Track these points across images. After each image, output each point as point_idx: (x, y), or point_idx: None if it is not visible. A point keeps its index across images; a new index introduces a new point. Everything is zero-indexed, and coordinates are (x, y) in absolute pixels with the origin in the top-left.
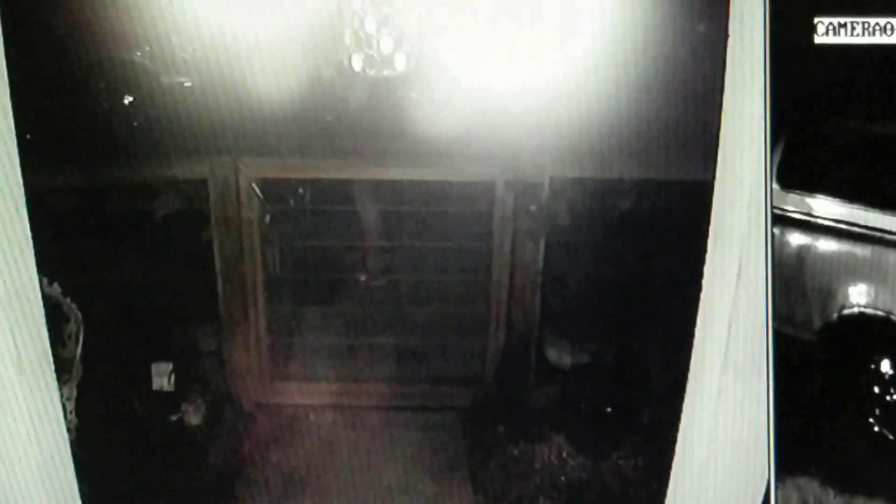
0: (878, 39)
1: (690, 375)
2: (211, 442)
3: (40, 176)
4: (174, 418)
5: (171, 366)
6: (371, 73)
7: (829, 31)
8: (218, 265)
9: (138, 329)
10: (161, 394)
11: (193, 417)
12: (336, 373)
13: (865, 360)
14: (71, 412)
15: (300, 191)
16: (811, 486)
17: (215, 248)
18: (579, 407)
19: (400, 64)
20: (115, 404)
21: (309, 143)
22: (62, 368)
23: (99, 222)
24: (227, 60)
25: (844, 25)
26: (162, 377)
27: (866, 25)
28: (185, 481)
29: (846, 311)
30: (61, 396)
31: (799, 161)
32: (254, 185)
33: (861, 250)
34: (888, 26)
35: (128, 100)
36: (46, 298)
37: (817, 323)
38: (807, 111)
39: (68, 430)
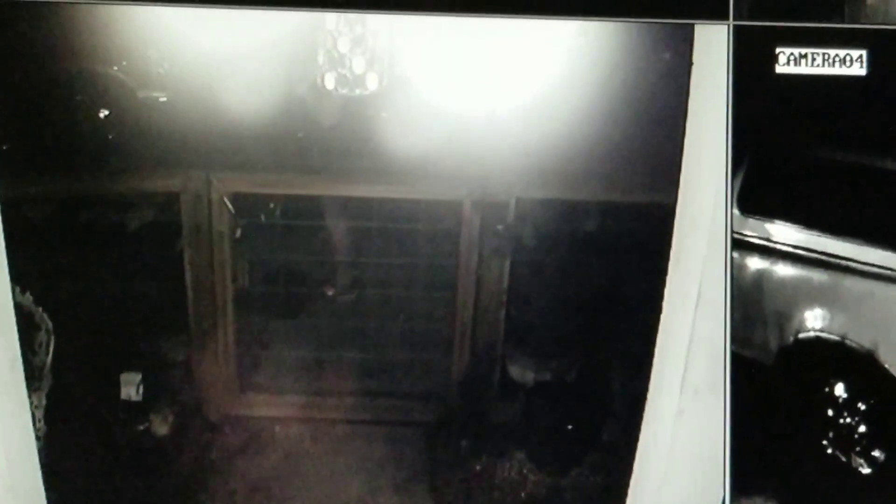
0: (838, 70)
1: (649, 395)
2: (178, 452)
3: (15, 186)
4: (142, 428)
5: (139, 376)
6: (343, 91)
7: (790, 62)
8: (188, 277)
9: (108, 339)
10: (129, 403)
11: (161, 427)
12: (302, 386)
13: (820, 383)
14: (40, 420)
15: (271, 206)
16: None
17: (186, 261)
18: (541, 424)
19: (372, 83)
20: (84, 413)
21: (281, 159)
22: (32, 376)
23: (72, 233)
24: (202, 76)
25: (805, 56)
26: (130, 387)
27: (826, 56)
28: (151, 490)
29: (802, 335)
30: (31, 404)
31: (759, 187)
32: (225, 200)
33: (818, 275)
34: (847, 58)
35: (104, 113)
36: (18, 307)
37: (774, 346)
38: (767, 139)
39: (37, 437)
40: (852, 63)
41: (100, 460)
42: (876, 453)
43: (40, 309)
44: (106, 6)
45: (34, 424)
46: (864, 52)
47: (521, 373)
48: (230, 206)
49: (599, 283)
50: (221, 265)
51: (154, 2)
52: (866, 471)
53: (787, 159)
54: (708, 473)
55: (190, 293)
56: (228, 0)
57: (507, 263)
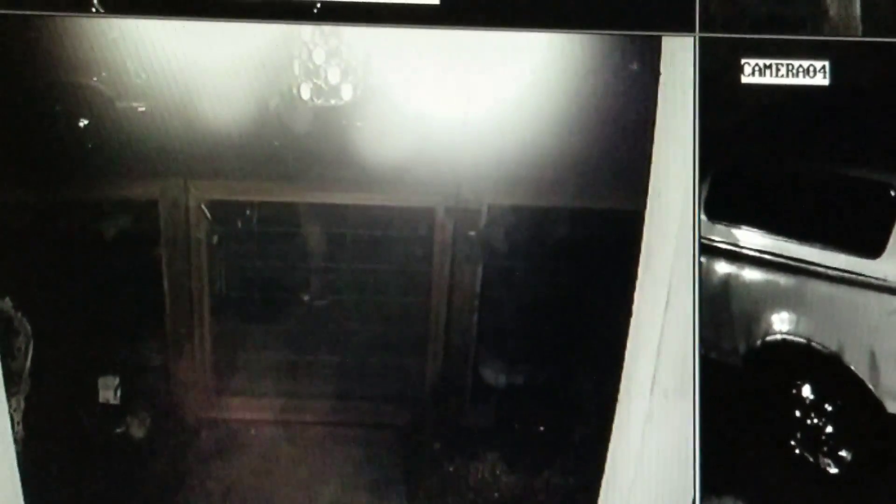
0: (802, 81)
1: (620, 397)
2: (154, 455)
3: None
4: (119, 431)
5: (117, 380)
6: (318, 102)
7: (755, 72)
8: (166, 283)
9: (87, 344)
10: (107, 407)
11: (138, 431)
12: (278, 389)
13: (788, 385)
14: (18, 424)
15: (248, 212)
16: None
17: (164, 267)
18: (513, 426)
19: (346, 94)
20: (63, 417)
21: (257, 167)
22: (11, 381)
23: (52, 240)
24: (179, 87)
25: (770, 67)
26: (108, 391)
27: (790, 67)
28: (128, 493)
29: (769, 338)
30: (9, 408)
31: (725, 194)
32: (203, 207)
33: (784, 279)
34: (811, 68)
35: (83, 123)
36: None
37: (742, 349)
38: (733, 147)
39: (15, 441)
40: (815, 73)
41: (77, 463)
42: (843, 453)
43: (20, 314)
44: (85, 18)
45: (13, 428)
46: (826, 63)
47: (494, 376)
48: (207, 213)
49: (570, 288)
50: (199, 271)
51: (132, 14)
52: (833, 471)
53: (753, 166)
54: (678, 475)
55: (167, 298)
56: (205, 12)
57: (480, 269)
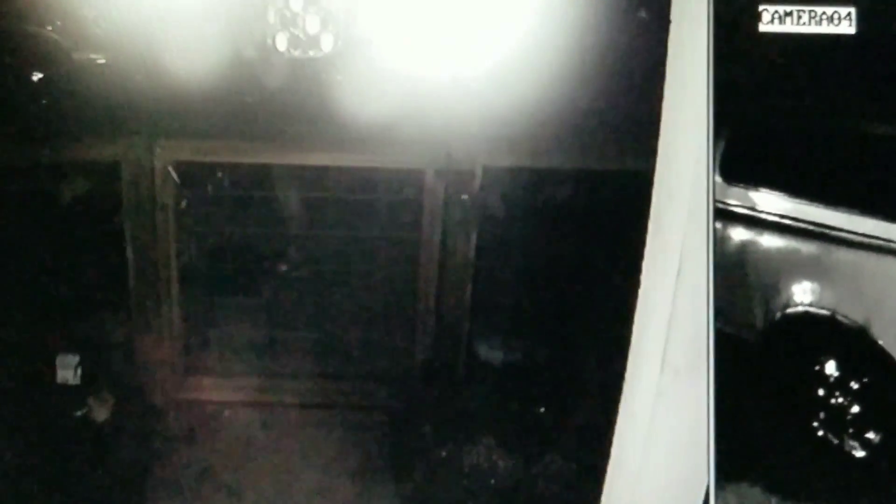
0: (825, 29)
1: (627, 375)
2: (119, 439)
3: None
4: (80, 413)
5: (77, 358)
6: (296, 53)
7: (774, 20)
8: (130, 252)
9: (43, 319)
10: (66, 388)
11: (101, 413)
12: (254, 368)
13: (810, 362)
14: None
15: (219, 175)
16: (752, 493)
17: (127, 235)
18: (511, 407)
19: (326, 45)
20: (17, 398)
21: (229, 125)
22: None
23: (2, 205)
24: (143, 37)
25: (790, 14)
26: (67, 370)
27: (812, 14)
28: (90, 480)
29: (790, 310)
30: None
31: (743, 153)
32: (170, 169)
33: (806, 247)
34: (835, 15)
35: (36, 76)
36: None
37: (760, 322)
38: (751, 102)
39: None
40: (840, 21)
41: (35, 449)
42: (870, 435)
43: None
44: None
45: None
46: (852, 10)
47: (489, 353)
48: (175, 175)
49: (572, 256)
50: (165, 239)
51: None
52: (860, 454)
53: (773, 123)
54: (690, 458)
55: (131, 269)
56: None
57: (474, 236)
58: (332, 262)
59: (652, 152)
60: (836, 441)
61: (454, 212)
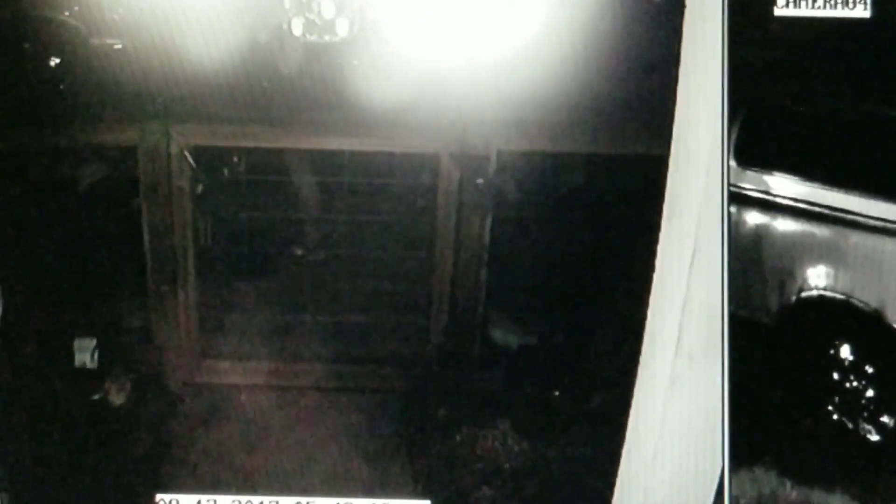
0: (839, 12)
1: (642, 359)
2: (136, 423)
3: None
4: (97, 397)
5: (94, 342)
6: (311, 38)
7: (789, 3)
8: (146, 236)
9: (61, 303)
10: (84, 371)
11: (117, 397)
12: (269, 351)
13: (824, 346)
14: None
15: (235, 159)
16: (766, 478)
17: (144, 219)
18: (525, 391)
19: (342, 29)
20: (35, 382)
21: (245, 109)
22: None
23: (21, 190)
24: (160, 22)
25: None
26: (85, 354)
27: None
28: (108, 463)
29: (805, 294)
30: None
31: (757, 137)
32: (186, 153)
33: (821, 231)
34: None
35: (54, 61)
36: None
37: (775, 306)
38: (766, 85)
39: None
40: (856, 4)
41: (52, 432)
42: (885, 419)
43: None
44: None
45: None
46: None
47: (504, 336)
48: (191, 160)
49: (587, 240)
50: (182, 223)
51: None
52: (875, 438)
53: (788, 107)
54: (704, 443)
55: (148, 253)
56: None
57: (488, 220)
58: (347, 246)
59: (667, 136)
60: (850, 425)
61: (469, 196)
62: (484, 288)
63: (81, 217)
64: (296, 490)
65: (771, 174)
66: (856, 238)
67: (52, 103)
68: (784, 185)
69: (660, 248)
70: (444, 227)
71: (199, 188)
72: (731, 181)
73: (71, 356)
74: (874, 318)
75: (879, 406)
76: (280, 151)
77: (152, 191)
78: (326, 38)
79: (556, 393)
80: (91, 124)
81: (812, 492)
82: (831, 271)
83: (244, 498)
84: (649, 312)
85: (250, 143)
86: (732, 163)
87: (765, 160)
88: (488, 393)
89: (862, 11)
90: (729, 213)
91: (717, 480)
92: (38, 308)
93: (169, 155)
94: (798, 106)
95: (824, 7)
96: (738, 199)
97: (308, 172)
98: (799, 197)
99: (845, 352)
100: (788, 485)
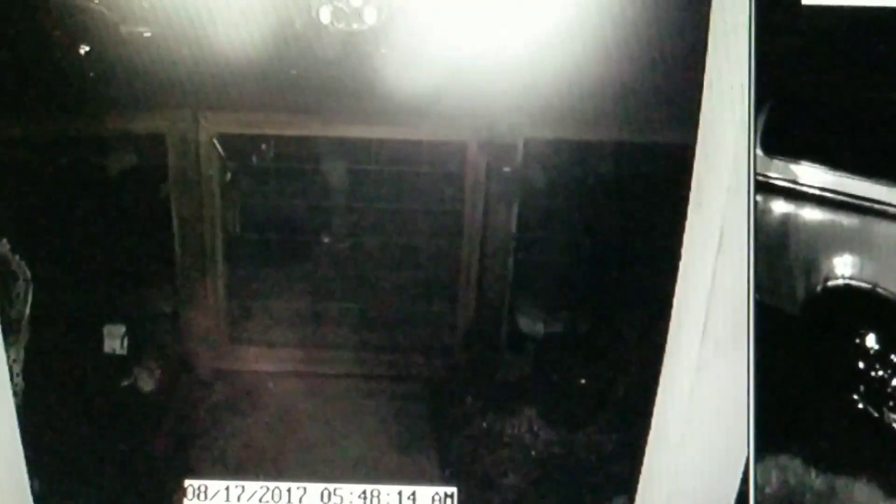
0: (869, 1)
1: (668, 348)
2: (165, 409)
3: None
4: (126, 383)
5: (124, 328)
6: (340, 26)
7: None
8: (175, 224)
9: (90, 289)
10: (113, 357)
11: (147, 383)
12: (298, 338)
13: (850, 334)
14: (17, 375)
15: (263, 147)
16: (792, 466)
17: (172, 206)
18: (552, 378)
19: (370, 17)
20: (65, 368)
21: (273, 97)
22: (9, 329)
23: (52, 177)
24: (189, 10)
25: None
26: (114, 340)
27: None
28: (136, 449)
29: (831, 283)
30: (8, 359)
31: (784, 126)
32: (214, 141)
33: (848, 220)
34: None
35: (84, 49)
36: None
37: (801, 295)
38: (794, 74)
39: (14, 394)
40: None
41: (81, 418)
42: None
43: (17, 257)
44: None
45: (11, 380)
46: None
47: (531, 324)
48: (219, 147)
49: (614, 228)
50: (210, 211)
51: None
52: None
53: (815, 96)
54: (730, 431)
55: (177, 240)
56: None
57: (515, 208)
58: (375, 233)
59: (693, 125)
60: (875, 413)
61: (496, 184)
62: (511, 276)
63: (110, 204)
64: (323, 476)
65: (797, 163)
66: (882, 227)
67: (81, 92)
68: (811, 174)
69: (686, 237)
70: (472, 215)
71: (228, 176)
72: (758, 170)
73: (100, 342)
74: None
75: None
76: (308, 140)
77: (181, 178)
78: (354, 26)
79: (583, 380)
80: (120, 112)
81: (837, 479)
82: (857, 260)
83: (272, 484)
84: (675, 300)
85: (278, 132)
86: (759, 151)
87: (791, 149)
88: (515, 380)
89: (892, 1)
90: (755, 201)
91: (742, 468)
92: (68, 295)
93: (197, 143)
94: (825, 95)
95: None
96: (764, 187)
97: (336, 160)
98: (825, 186)
99: (870, 341)
100: (813, 472)
